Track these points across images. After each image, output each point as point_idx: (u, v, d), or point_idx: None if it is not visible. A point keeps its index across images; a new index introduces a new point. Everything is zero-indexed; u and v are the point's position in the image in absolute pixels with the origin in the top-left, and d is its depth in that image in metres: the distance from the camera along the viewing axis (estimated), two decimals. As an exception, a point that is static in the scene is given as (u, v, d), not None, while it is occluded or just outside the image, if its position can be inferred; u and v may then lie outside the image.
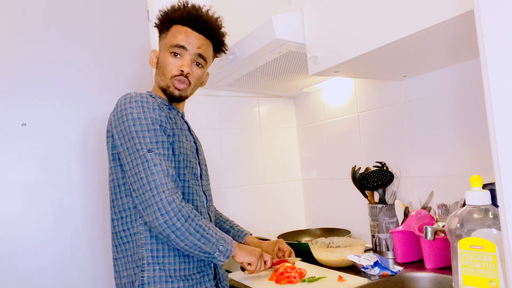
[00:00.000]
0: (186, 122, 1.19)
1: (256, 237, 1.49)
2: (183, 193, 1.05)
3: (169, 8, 1.15)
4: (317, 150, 1.89)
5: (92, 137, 1.44)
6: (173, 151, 1.04)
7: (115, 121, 1.02)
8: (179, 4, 1.14)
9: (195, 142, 1.18)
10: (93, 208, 1.42)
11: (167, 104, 1.13)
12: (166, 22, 1.14)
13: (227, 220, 1.39)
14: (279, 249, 1.33)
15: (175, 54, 1.11)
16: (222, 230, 1.35)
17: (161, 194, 0.93)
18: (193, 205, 1.07)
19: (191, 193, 1.07)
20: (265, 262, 1.16)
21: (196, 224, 0.96)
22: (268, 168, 1.92)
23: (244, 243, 1.33)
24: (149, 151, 0.96)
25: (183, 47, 1.10)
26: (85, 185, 1.41)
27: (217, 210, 1.42)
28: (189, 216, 0.95)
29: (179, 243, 0.95)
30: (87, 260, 1.39)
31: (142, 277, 0.99)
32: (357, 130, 1.65)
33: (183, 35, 1.11)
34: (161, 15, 1.15)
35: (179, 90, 1.11)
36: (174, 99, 1.14)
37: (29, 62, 1.36)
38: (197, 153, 1.17)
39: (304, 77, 1.59)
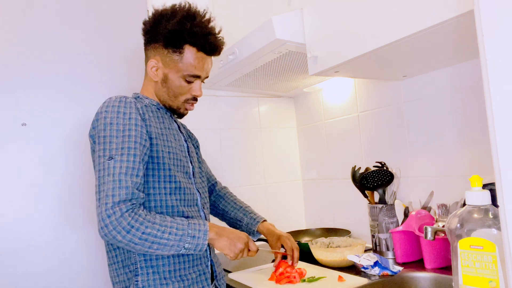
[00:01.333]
0: (175, 121, 1.19)
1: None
2: (174, 194, 1.04)
3: (181, 25, 1.06)
4: (317, 150, 1.89)
5: (92, 137, 1.43)
6: (158, 152, 1.02)
7: (93, 123, 1.03)
8: (188, 18, 1.07)
9: (185, 141, 1.17)
10: (93, 208, 1.42)
11: (155, 104, 1.12)
12: (179, 40, 1.08)
13: (241, 207, 1.35)
14: (281, 245, 1.27)
15: (189, 82, 1.11)
16: (235, 219, 1.33)
17: (103, 206, 0.91)
18: (184, 204, 1.06)
19: (183, 193, 1.07)
20: (249, 250, 1.11)
21: (143, 233, 0.92)
22: (268, 168, 1.92)
23: (257, 231, 1.30)
24: (110, 158, 0.94)
25: (199, 76, 1.11)
26: (85, 185, 1.41)
27: (233, 196, 1.40)
28: (132, 227, 0.91)
29: (131, 250, 0.96)
30: (88, 261, 1.39)
31: (137, 281, 0.98)
32: (357, 130, 1.65)
33: (201, 64, 1.10)
34: (171, 33, 1.07)
35: (188, 110, 1.16)
36: (180, 117, 1.18)
37: (29, 62, 1.36)
38: (188, 152, 1.16)
39: (304, 77, 1.59)
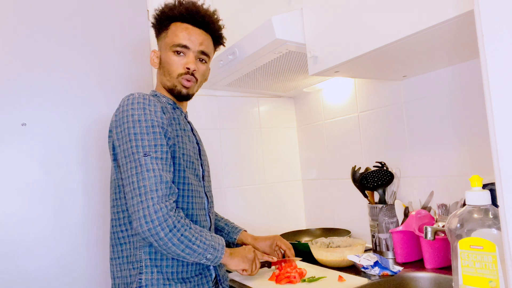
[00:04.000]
0: (189, 122, 1.19)
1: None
2: (186, 196, 1.05)
3: (164, 6, 1.14)
4: (317, 150, 1.89)
5: (92, 137, 1.44)
6: (174, 153, 1.03)
7: (116, 121, 1.02)
8: (176, 1, 1.14)
9: (197, 143, 1.17)
10: (93, 209, 1.42)
11: (171, 103, 1.12)
12: (165, 20, 1.13)
13: (222, 218, 1.38)
14: (277, 246, 1.31)
15: (178, 53, 1.10)
16: (216, 228, 1.34)
17: (149, 201, 0.91)
18: (194, 207, 1.07)
19: (193, 196, 1.07)
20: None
21: (182, 235, 0.94)
22: (268, 168, 1.92)
23: (238, 241, 1.32)
24: (145, 155, 0.95)
25: (186, 46, 1.10)
26: (85, 186, 1.41)
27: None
28: (174, 226, 0.93)
29: (162, 251, 0.95)
30: (87, 261, 1.39)
31: (140, 279, 0.98)
32: (357, 130, 1.65)
33: (184, 33, 1.10)
34: (157, 14, 1.14)
35: (186, 88, 1.12)
36: (182, 98, 1.14)
37: (29, 62, 1.36)
38: (200, 154, 1.17)
39: (304, 77, 1.59)
